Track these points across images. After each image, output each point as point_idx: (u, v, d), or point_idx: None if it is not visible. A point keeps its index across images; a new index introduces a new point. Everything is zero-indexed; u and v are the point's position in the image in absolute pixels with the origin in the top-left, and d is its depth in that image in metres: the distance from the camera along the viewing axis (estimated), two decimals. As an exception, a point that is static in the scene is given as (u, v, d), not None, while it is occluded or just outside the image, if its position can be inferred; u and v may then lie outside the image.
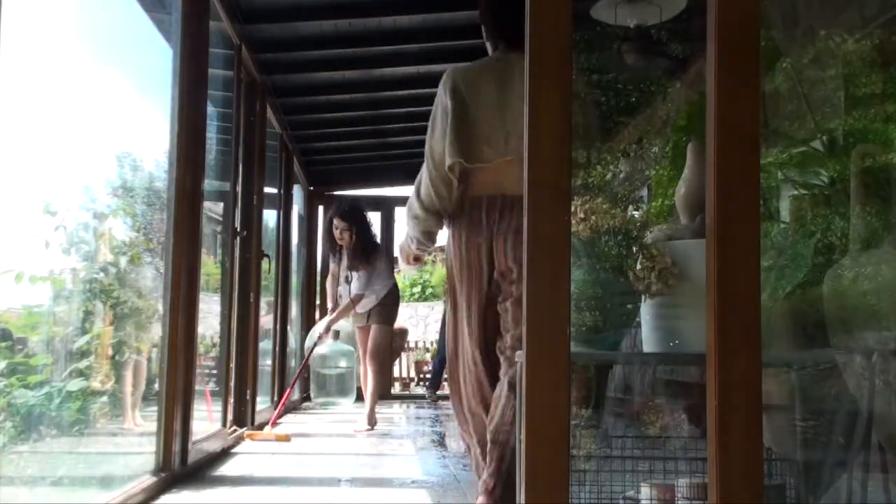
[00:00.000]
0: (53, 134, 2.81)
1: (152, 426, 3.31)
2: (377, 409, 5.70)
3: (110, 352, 3.31)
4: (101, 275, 3.23)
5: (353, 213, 5.79)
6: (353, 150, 7.94)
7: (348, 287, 5.79)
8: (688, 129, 2.71)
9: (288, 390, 6.12)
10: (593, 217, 2.07)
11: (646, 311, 2.14)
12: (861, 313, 1.99)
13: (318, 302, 8.56)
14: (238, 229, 4.80)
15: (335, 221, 5.75)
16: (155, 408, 3.34)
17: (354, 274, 5.77)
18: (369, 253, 5.79)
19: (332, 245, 5.88)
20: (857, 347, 2.00)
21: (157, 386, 3.40)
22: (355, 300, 5.73)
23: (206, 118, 3.71)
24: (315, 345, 6.35)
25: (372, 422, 5.47)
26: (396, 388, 9.85)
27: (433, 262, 18.80)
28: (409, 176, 8.58)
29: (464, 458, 4.24)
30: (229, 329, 4.72)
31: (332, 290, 6.05)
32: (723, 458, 1.54)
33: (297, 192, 7.61)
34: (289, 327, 7.08)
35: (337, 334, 7.67)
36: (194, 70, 3.57)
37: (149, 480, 3.05)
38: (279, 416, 5.47)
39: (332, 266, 6.04)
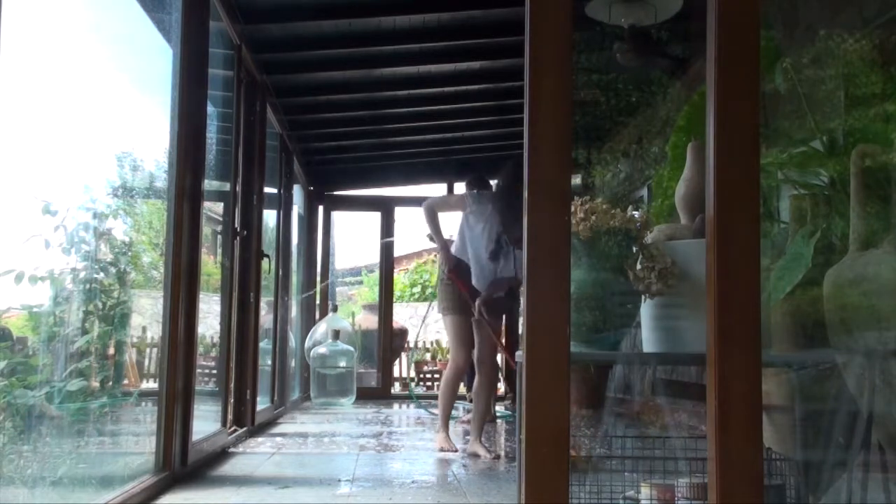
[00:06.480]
0: (54, 134, 2.81)
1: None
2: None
3: (112, 351, 3.31)
4: (101, 275, 3.23)
5: None
6: (353, 150, 7.94)
7: (492, 265, 4.54)
8: (688, 129, 2.71)
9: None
10: (593, 217, 2.06)
11: (646, 311, 2.14)
12: (861, 313, 1.99)
13: (317, 302, 8.55)
14: (238, 229, 4.80)
15: None
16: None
17: (506, 250, 4.55)
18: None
19: (510, 208, 4.43)
20: (857, 347, 1.99)
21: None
22: (515, 287, 4.58)
23: (206, 118, 3.72)
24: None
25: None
26: (396, 388, 9.84)
27: (433, 261, 18.81)
28: (408, 176, 8.63)
29: (464, 458, 4.24)
30: (229, 329, 4.72)
31: (441, 233, 4.69)
32: (723, 458, 1.54)
33: (297, 192, 7.60)
34: (289, 327, 7.08)
35: (337, 334, 7.68)
36: (194, 70, 3.57)
37: (149, 480, 3.05)
38: None
39: (456, 206, 4.70)
